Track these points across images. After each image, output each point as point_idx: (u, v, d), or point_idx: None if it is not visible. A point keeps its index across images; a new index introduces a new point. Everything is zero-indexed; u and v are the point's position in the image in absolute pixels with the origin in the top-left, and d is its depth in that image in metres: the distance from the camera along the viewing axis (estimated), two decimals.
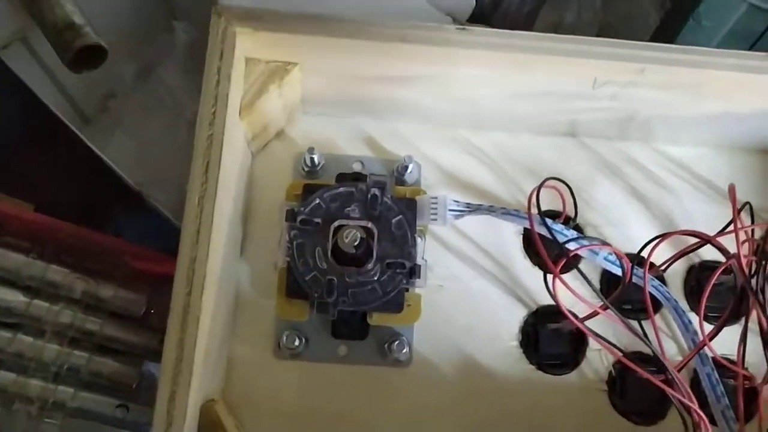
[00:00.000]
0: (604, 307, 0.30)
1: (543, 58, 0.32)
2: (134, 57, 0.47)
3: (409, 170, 0.37)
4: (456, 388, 0.35)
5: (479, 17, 0.50)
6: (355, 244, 0.32)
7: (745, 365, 0.33)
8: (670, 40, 0.47)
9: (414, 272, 0.33)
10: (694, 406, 0.29)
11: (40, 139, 0.44)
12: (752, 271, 0.33)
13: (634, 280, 0.33)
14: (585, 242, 0.30)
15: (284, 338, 0.34)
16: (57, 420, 0.36)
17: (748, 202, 0.36)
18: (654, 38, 0.49)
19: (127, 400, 0.38)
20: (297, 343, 0.34)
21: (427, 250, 0.36)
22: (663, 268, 0.36)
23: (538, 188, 0.31)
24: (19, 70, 0.42)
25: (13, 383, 0.36)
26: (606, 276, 0.37)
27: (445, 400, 0.35)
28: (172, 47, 0.46)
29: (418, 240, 0.34)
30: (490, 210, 0.34)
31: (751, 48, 0.46)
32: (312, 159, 0.36)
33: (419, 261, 0.33)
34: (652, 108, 0.36)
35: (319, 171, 0.37)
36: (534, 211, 0.32)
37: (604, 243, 0.30)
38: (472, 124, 0.39)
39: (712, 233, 0.33)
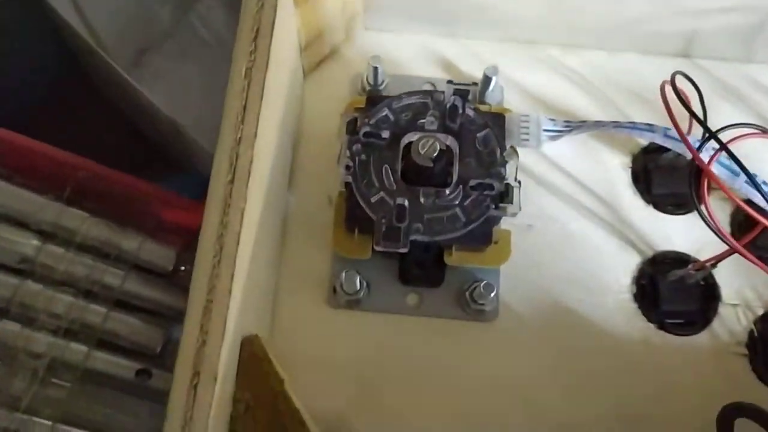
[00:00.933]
0: None
1: None
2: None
3: (491, 87, 0.30)
4: (554, 350, 0.28)
5: None
6: (434, 156, 0.26)
7: None
8: None
9: (506, 194, 0.26)
10: None
11: (72, 79, 0.40)
12: None
13: None
14: (746, 130, 0.23)
15: (342, 278, 0.27)
16: (67, 382, 0.30)
17: None
18: None
19: (149, 366, 0.32)
20: (357, 287, 0.27)
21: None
22: None
23: (672, 81, 0.25)
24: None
25: (17, 335, 0.30)
26: (737, 217, 0.30)
27: (539, 363, 0.28)
28: None
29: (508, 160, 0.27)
30: (598, 125, 0.28)
31: None
32: (376, 71, 0.30)
33: (512, 183, 0.27)
34: None
35: (382, 92, 0.31)
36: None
37: (765, 130, 0.23)
38: (563, 39, 0.33)
39: None
